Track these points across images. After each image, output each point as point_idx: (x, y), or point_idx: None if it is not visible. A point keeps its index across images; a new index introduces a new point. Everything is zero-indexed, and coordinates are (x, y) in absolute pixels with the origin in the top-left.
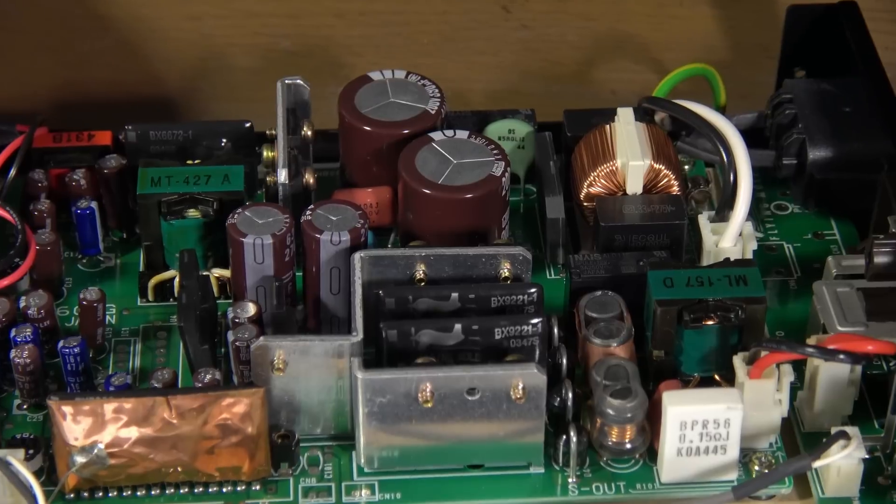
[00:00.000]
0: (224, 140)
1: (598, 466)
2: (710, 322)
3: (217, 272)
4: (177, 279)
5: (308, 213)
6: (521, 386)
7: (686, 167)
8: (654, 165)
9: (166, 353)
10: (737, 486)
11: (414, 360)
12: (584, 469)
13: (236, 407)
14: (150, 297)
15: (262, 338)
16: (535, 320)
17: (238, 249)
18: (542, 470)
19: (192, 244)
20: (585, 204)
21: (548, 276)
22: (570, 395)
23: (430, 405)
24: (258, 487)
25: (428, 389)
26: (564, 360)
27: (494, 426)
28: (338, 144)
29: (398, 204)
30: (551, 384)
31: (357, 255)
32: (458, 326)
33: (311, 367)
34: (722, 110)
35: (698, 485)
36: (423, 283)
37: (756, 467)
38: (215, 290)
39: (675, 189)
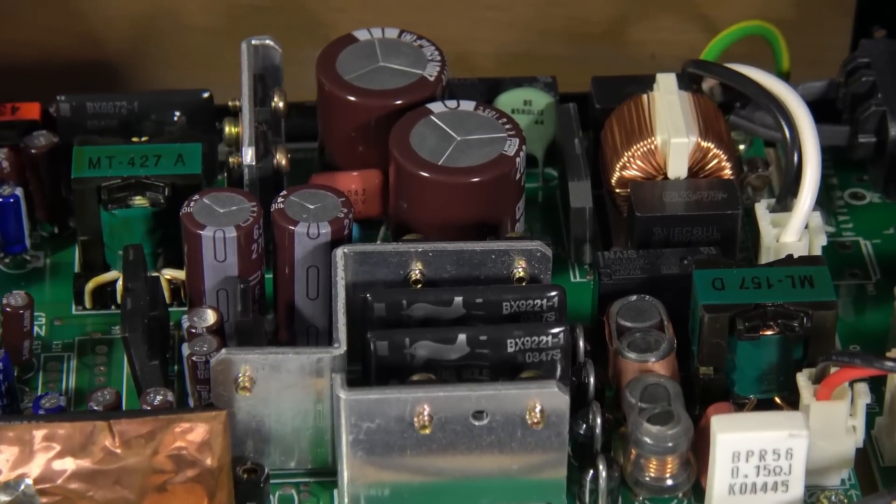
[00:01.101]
0: (177, 113)
1: None
2: (769, 332)
3: (169, 273)
4: (120, 281)
5: (280, 200)
6: (538, 408)
7: (741, 147)
8: (702, 143)
9: (107, 371)
10: None
11: (409, 378)
12: None
13: (193, 434)
14: (88, 304)
15: (223, 350)
16: (555, 330)
17: (195, 245)
18: None
19: (139, 239)
20: (618, 191)
21: (572, 279)
22: (599, 420)
23: (427, 432)
24: None
25: (425, 413)
26: (592, 379)
27: (506, 458)
28: (315, 119)
29: (389, 191)
30: (576, 407)
31: (339, 251)
32: (462, 337)
33: (283, 387)
34: (785, 77)
35: None
36: (419, 286)
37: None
38: (167, 294)
39: (728, 172)
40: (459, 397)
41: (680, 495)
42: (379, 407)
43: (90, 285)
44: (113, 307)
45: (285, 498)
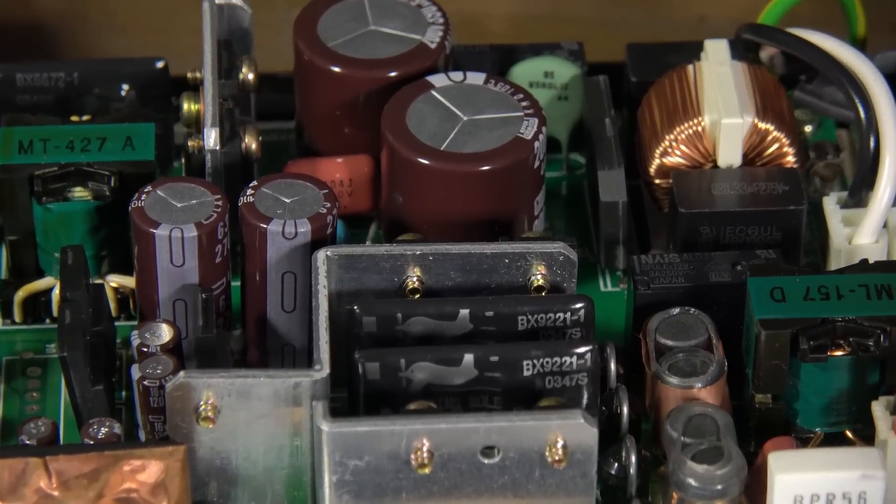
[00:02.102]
0: (125, 87)
1: None
2: (839, 352)
3: (115, 280)
4: (56, 290)
5: (249, 192)
6: (561, 443)
7: (807, 129)
8: (759, 124)
9: (41, 398)
10: None
11: (404, 407)
12: None
13: (145, 473)
14: (18, 318)
15: (181, 373)
16: (581, 349)
17: (147, 246)
18: None
19: (79, 239)
20: (658, 181)
21: (602, 288)
22: (634, 458)
23: (427, 471)
24: None
25: (424, 448)
26: (625, 409)
27: (523, 501)
28: (292, 94)
29: (381, 181)
30: (606, 443)
31: (321, 254)
32: (468, 358)
33: (253, 417)
34: (859, 45)
35: None
36: (417, 296)
37: None
38: (113, 306)
39: (790, 160)
40: (465, 430)
41: None
42: (368, 441)
43: (20, 294)
44: (48, 321)
45: None
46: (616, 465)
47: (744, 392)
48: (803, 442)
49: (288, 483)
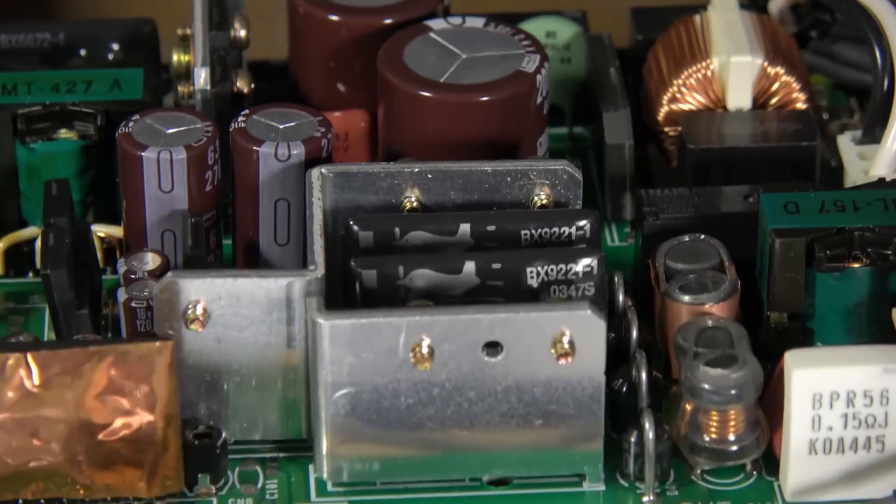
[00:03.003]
0: (114, 47)
1: (688, 481)
2: (857, 264)
3: (102, 230)
4: (39, 240)
5: (241, 119)
6: (567, 339)
7: (822, 102)
8: (769, 68)
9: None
10: None
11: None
12: (667, 485)
13: (130, 369)
14: None
15: (169, 273)
16: (587, 259)
17: (134, 171)
18: (601, 487)
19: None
20: (666, 129)
21: (608, 243)
22: (645, 374)
23: (426, 367)
24: None
25: (424, 344)
26: (634, 332)
27: (528, 412)
28: (287, 83)
29: (378, 134)
30: (616, 364)
31: (315, 171)
32: (469, 266)
33: (245, 324)
34: None
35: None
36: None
37: None
38: (100, 256)
39: (801, 105)
40: (467, 322)
41: (748, 465)
42: (365, 335)
43: (2, 244)
44: (31, 274)
45: (247, 474)
46: (626, 383)
47: (759, 321)
48: None
49: (282, 409)
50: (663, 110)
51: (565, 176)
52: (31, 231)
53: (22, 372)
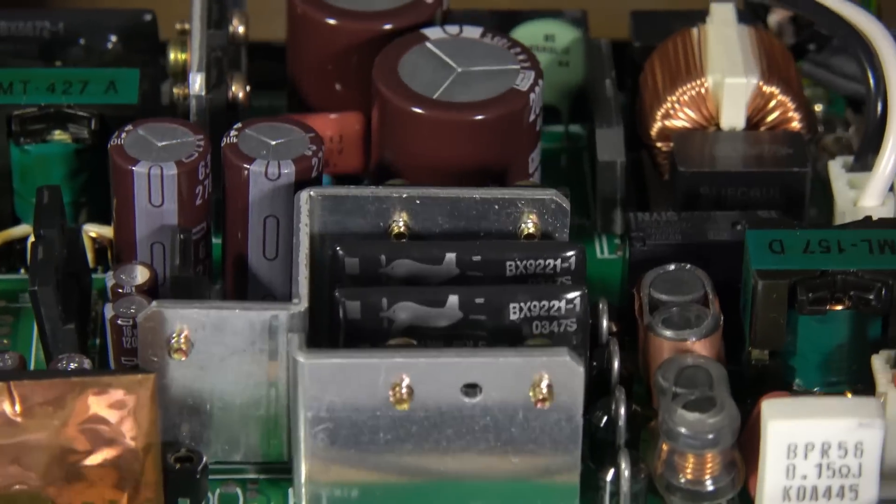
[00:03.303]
0: (112, 38)
1: None
2: (839, 306)
3: (94, 230)
4: (29, 247)
5: (233, 133)
6: (545, 383)
7: (818, 108)
8: (764, 87)
9: (12, 342)
10: None
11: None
12: None
13: (112, 402)
14: None
15: (154, 303)
16: (571, 294)
17: (125, 184)
18: None
19: (57, 183)
20: (659, 145)
21: (598, 255)
22: (623, 410)
23: (405, 408)
24: None
25: (404, 384)
26: (616, 363)
27: (505, 449)
28: (285, 64)
29: (372, 138)
30: (596, 397)
31: (304, 194)
32: (453, 299)
33: (228, 353)
34: (876, 14)
35: None
36: (404, 240)
37: None
38: (90, 256)
39: (796, 125)
40: (446, 365)
41: (723, 503)
42: (345, 375)
43: None
44: (23, 270)
45: (228, 497)
46: (605, 417)
47: (741, 356)
48: None
49: (263, 429)
50: (657, 125)
51: (553, 206)
52: (24, 229)
53: (5, 401)
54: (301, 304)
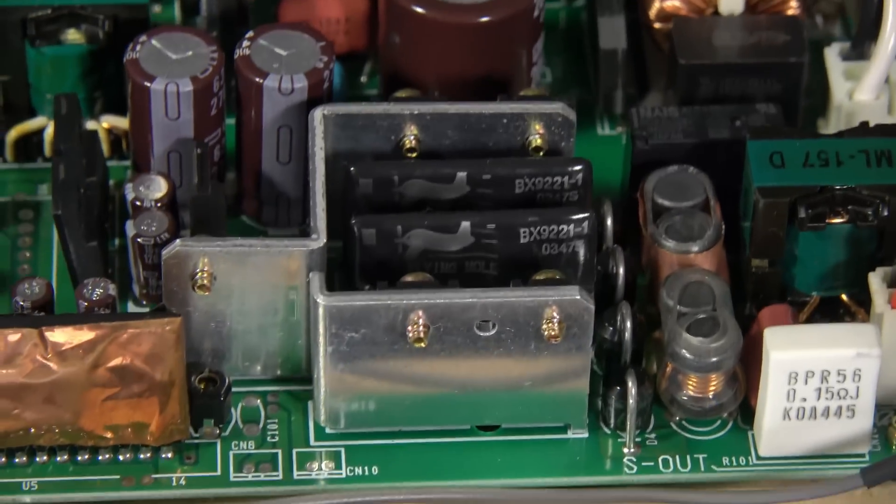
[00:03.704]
0: None
1: (668, 430)
2: (838, 220)
3: (108, 121)
4: (49, 129)
5: (245, 44)
6: (556, 318)
7: None
8: None
9: (33, 248)
10: (869, 468)
11: (401, 277)
12: (647, 434)
13: (140, 345)
14: (9, 157)
15: (177, 242)
16: (578, 216)
17: (142, 99)
18: (585, 434)
19: (73, 83)
20: (657, 26)
21: (599, 132)
22: (629, 324)
23: (423, 345)
24: (170, 455)
25: (420, 322)
26: (621, 271)
27: (517, 371)
28: None
29: (378, 18)
30: (602, 301)
31: (318, 113)
32: (465, 225)
33: (249, 282)
34: None
35: (813, 461)
36: (414, 154)
37: None
38: (105, 147)
39: (793, 7)
40: (462, 305)
41: (725, 416)
42: (365, 315)
43: (13, 134)
44: (40, 161)
45: (249, 411)
46: (611, 329)
47: (741, 253)
48: (799, 306)
49: (282, 343)
50: (655, 7)
51: (559, 118)
52: (40, 121)
53: (37, 346)
54: (320, 239)
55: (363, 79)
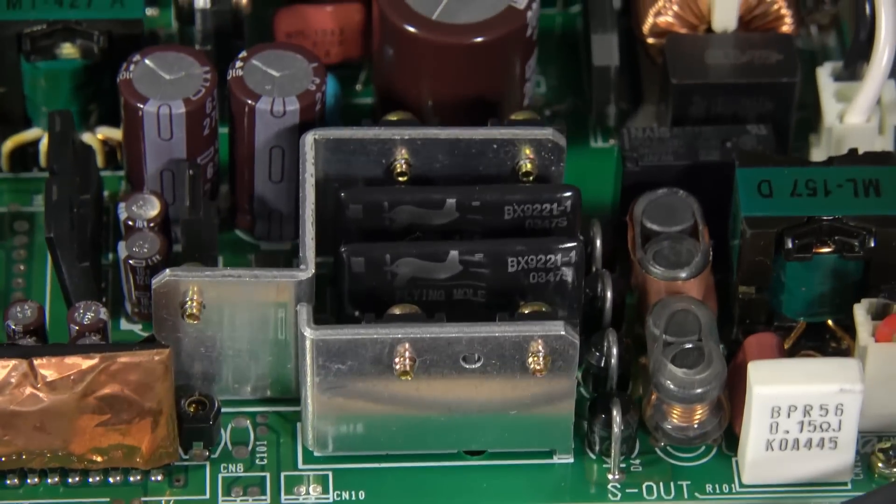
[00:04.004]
0: None
1: (653, 456)
2: (824, 249)
3: (103, 133)
4: (44, 140)
5: (238, 64)
6: (541, 353)
7: None
8: None
9: (28, 260)
10: (851, 502)
11: (389, 304)
12: (632, 460)
13: (130, 374)
14: (5, 167)
15: (167, 271)
16: (566, 245)
17: (135, 120)
18: (570, 460)
19: (67, 97)
20: (651, 41)
21: (592, 144)
22: (616, 350)
23: (409, 378)
24: (160, 478)
25: (407, 355)
26: (609, 295)
27: (503, 402)
28: None
29: (373, 35)
30: (589, 326)
31: (309, 138)
32: (453, 254)
33: (238, 310)
34: None
35: (795, 491)
36: (405, 179)
37: (881, 464)
38: (100, 158)
39: (788, 21)
40: (447, 339)
41: (710, 442)
42: (352, 348)
43: (8, 145)
44: (36, 170)
45: (238, 432)
46: (598, 354)
47: (728, 276)
48: (786, 331)
49: (272, 365)
50: (649, 23)
51: (549, 144)
52: (35, 132)
53: (27, 376)
54: (308, 269)
55: (358, 87)
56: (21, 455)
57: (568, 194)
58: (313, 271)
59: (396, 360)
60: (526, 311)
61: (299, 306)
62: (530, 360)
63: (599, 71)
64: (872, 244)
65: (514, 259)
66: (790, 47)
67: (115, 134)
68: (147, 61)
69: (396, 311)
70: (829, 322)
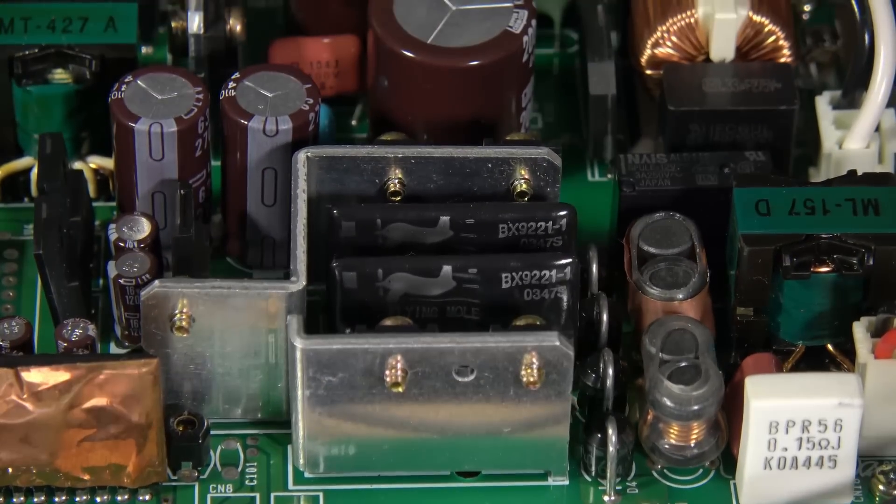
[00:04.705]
0: None
1: (649, 478)
2: (823, 269)
3: (95, 162)
4: (35, 172)
5: (231, 85)
6: (535, 365)
7: (806, 7)
8: (754, 17)
9: (17, 287)
10: None
11: (380, 320)
12: (628, 482)
13: (117, 386)
14: None
15: (156, 283)
16: (561, 261)
17: (126, 139)
18: (565, 482)
19: (59, 122)
20: (648, 72)
21: (589, 178)
22: (612, 371)
23: (400, 390)
24: (147, 497)
25: (398, 367)
26: (605, 317)
27: (496, 414)
28: None
29: (368, 62)
30: (585, 350)
31: (301, 155)
32: (447, 269)
33: (229, 324)
34: None
35: None
36: (399, 198)
37: (881, 486)
38: (91, 187)
39: (786, 52)
40: (439, 350)
41: (707, 464)
42: (342, 359)
43: (0, 173)
44: (27, 200)
45: (228, 453)
46: (593, 376)
47: (726, 299)
48: (784, 355)
49: (262, 386)
50: (647, 54)
51: (545, 164)
52: (27, 161)
53: (13, 386)
54: (299, 282)
55: (353, 122)
56: (7, 470)
57: (563, 213)
58: (304, 283)
59: (387, 371)
60: (520, 324)
61: (290, 317)
62: (524, 372)
63: (596, 100)
64: (871, 262)
65: (508, 275)
66: (789, 76)
67: (108, 163)
68: (139, 81)
69: (388, 322)
70: (829, 346)
